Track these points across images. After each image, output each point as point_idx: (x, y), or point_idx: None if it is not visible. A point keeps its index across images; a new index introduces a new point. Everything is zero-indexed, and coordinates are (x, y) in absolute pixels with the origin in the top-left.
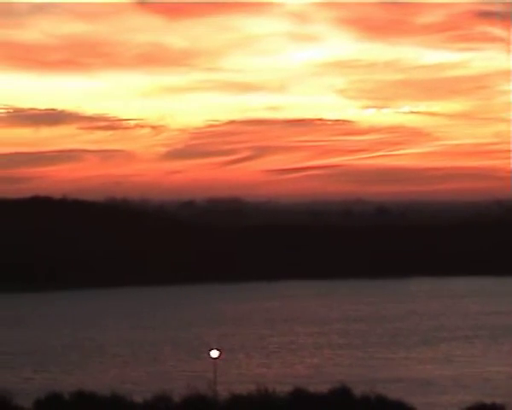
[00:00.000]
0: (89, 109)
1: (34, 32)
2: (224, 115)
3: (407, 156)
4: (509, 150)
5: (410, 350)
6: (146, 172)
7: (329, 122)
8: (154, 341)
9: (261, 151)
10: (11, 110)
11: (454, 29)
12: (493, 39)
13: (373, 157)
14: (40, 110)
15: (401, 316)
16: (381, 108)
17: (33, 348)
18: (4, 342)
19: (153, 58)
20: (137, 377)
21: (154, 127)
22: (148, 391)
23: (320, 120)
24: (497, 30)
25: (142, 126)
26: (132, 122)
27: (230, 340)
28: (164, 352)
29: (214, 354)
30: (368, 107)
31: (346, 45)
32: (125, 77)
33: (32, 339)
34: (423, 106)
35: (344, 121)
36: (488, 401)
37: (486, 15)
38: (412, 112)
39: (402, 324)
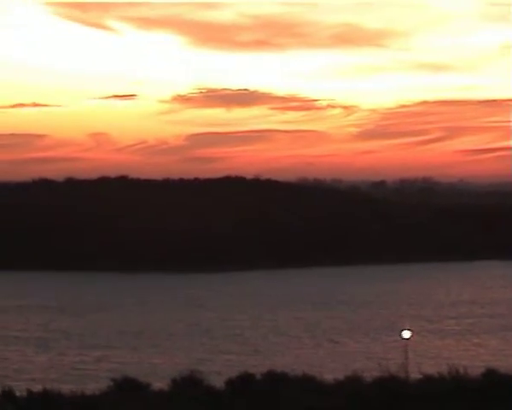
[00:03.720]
0: (281, 90)
1: (229, 12)
2: (415, 96)
3: None
4: None
5: None
6: (338, 152)
7: None
8: (332, 322)
9: (453, 132)
10: (204, 90)
11: None
12: None
13: None
14: (232, 90)
15: None
16: None
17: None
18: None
19: (346, 38)
20: (318, 359)
21: (345, 108)
22: (332, 371)
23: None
24: None
25: (333, 107)
26: (324, 102)
27: (410, 321)
28: (342, 333)
29: (406, 334)
30: None
31: None
32: (317, 57)
33: (212, 320)
34: None
35: None
36: None
37: None
38: None
39: None
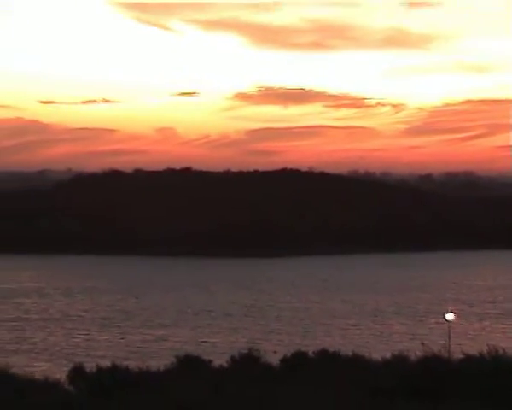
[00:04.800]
0: (334, 88)
1: (286, 15)
2: (459, 95)
3: None
4: None
5: None
6: (387, 147)
7: None
8: (377, 305)
9: (494, 129)
10: (263, 88)
11: None
12: None
13: None
14: (289, 89)
15: None
16: None
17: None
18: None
19: (394, 41)
20: (365, 339)
21: (394, 106)
22: (379, 352)
23: None
24: None
25: (383, 105)
26: (374, 101)
27: (450, 305)
28: (387, 316)
29: (449, 316)
30: None
31: None
32: (368, 58)
33: (266, 301)
34: None
35: None
36: None
37: None
38: None
39: None
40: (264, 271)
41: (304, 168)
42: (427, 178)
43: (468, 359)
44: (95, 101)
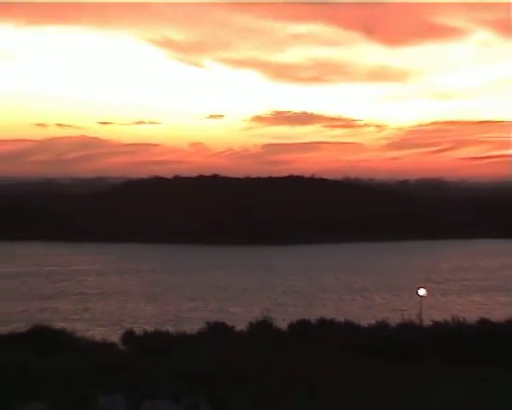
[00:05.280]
0: (330, 112)
1: (294, 56)
2: (430, 117)
3: None
4: None
5: None
6: (372, 158)
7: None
8: (364, 282)
9: (457, 144)
10: (275, 112)
11: None
12: None
13: None
14: (295, 113)
15: None
16: None
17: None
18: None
19: (378, 75)
20: (353, 310)
21: (377, 126)
22: (365, 319)
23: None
24: None
25: (369, 125)
26: (362, 122)
27: (421, 283)
28: (370, 291)
29: (422, 292)
30: None
31: None
32: (357, 89)
33: (277, 280)
34: None
35: None
36: None
37: None
38: None
39: None
40: (275, 256)
41: (307, 175)
42: (404, 183)
43: (436, 325)
44: (143, 122)
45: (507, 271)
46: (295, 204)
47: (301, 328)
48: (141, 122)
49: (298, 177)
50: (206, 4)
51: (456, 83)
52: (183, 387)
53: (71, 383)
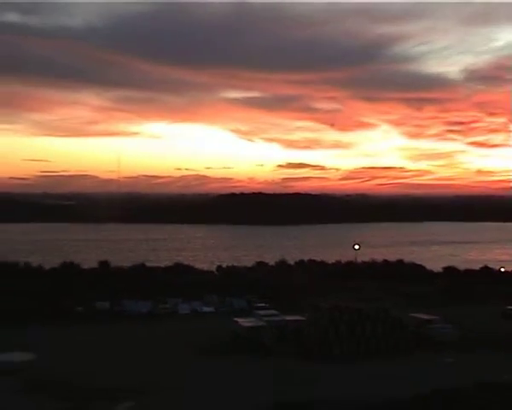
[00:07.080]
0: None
1: None
2: None
3: None
4: None
5: None
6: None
7: None
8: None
9: None
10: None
11: None
12: None
13: None
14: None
15: None
16: None
17: None
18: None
19: None
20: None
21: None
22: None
23: None
24: None
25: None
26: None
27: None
28: (322, 247)
29: (356, 247)
30: None
31: None
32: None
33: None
34: None
35: None
36: None
37: None
38: None
39: None
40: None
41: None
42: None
43: (367, 264)
44: (213, 168)
45: None
46: (299, 210)
47: (261, 266)
48: (229, 167)
49: (305, 194)
50: None
51: None
52: None
53: None
